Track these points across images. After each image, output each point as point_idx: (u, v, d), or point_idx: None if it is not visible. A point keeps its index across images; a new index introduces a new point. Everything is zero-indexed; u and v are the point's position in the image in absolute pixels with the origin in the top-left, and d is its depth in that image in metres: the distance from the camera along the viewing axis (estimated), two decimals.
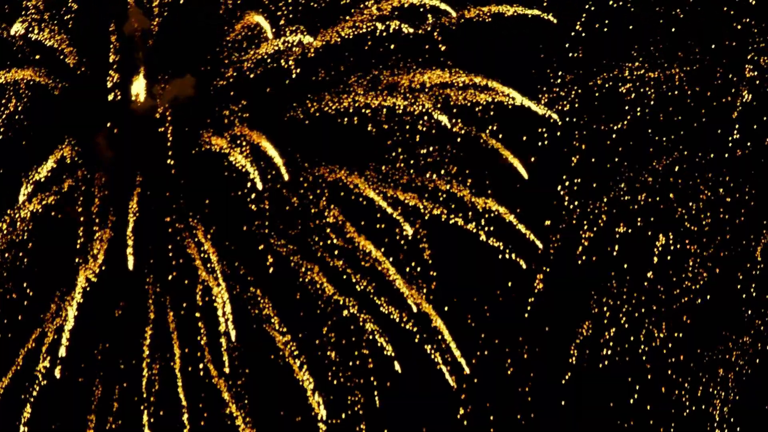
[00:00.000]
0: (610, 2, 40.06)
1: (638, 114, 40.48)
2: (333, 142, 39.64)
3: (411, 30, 38.67)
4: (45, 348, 39.52)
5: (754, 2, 39.95)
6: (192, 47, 39.26)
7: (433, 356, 40.03)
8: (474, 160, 39.75)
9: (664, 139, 40.46)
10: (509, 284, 41.09)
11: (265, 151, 38.70)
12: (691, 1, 40.22)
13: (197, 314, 39.85)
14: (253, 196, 39.23)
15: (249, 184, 38.91)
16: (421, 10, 39.05)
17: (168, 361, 39.86)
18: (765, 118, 40.22)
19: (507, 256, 39.94)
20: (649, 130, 40.48)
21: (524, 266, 40.04)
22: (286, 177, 38.54)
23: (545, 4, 39.32)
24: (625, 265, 41.23)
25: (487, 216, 39.71)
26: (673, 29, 40.29)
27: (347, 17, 38.97)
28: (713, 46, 40.35)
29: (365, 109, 39.33)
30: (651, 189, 40.80)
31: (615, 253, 41.16)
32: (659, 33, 40.24)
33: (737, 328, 41.43)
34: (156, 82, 39.12)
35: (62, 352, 38.79)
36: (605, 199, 40.83)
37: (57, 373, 38.98)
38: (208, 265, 39.37)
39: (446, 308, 40.17)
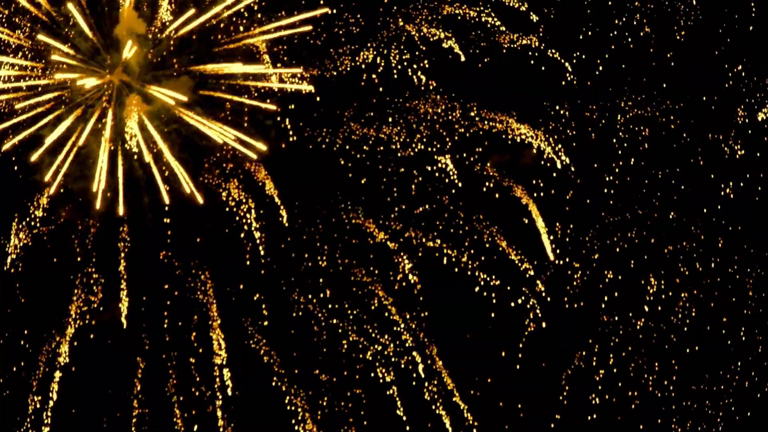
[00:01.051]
0: (605, 38, 40.57)
1: (631, 152, 40.87)
2: (329, 174, 39.72)
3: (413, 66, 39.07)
4: (36, 382, 39.37)
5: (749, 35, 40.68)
6: (189, 53, 39.15)
7: (429, 389, 40.14)
8: (470, 194, 40.01)
9: (660, 173, 40.83)
10: (501, 323, 41.19)
11: (260, 183, 38.81)
12: (684, 41, 40.76)
13: (192, 360, 39.84)
14: (248, 228, 39.26)
15: (245, 217, 39.02)
16: (418, 41, 39.45)
17: (160, 394, 39.70)
18: (758, 154, 40.73)
19: (492, 294, 40.24)
20: (642, 162, 40.88)
21: (539, 311, 40.34)
22: (285, 222, 38.73)
23: (541, 34, 39.77)
24: (616, 304, 41.43)
25: (483, 255, 39.99)
26: (667, 67, 40.86)
27: (345, 49, 39.20)
28: (707, 87, 40.95)
29: (362, 142, 39.52)
30: (643, 226, 41.11)
31: (606, 292, 41.33)
32: (654, 70, 40.77)
33: (726, 365, 41.67)
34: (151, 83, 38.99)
35: (55, 388, 38.77)
36: (597, 237, 41.06)
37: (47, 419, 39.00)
38: (204, 299, 39.36)
39: (437, 342, 40.34)
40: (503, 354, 41.31)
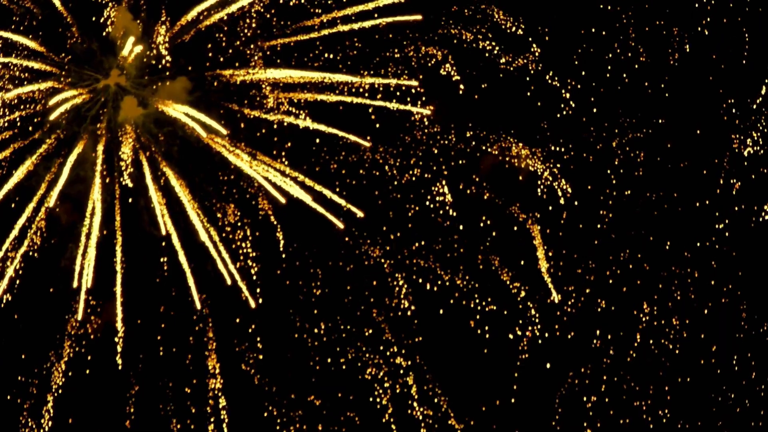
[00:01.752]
0: (601, 62, 40.86)
1: (626, 176, 41.08)
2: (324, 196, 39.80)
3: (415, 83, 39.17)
4: (28, 406, 39.25)
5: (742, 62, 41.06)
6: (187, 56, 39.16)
7: (424, 413, 40.11)
8: (466, 218, 40.13)
9: (654, 196, 41.03)
10: (495, 348, 41.22)
11: (253, 202, 38.95)
12: (677, 65, 41.07)
13: (187, 390, 39.76)
14: (245, 253, 39.28)
15: (241, 246, 39.06)
16: (414, 65, 39.61)
17: (155, 419, 39.56)
18: (753, 176, 40.95)
19: (486, 322, 40.32)
20: (637, 184, 41.06)
21: (538, 331, 40.42)
22: (281, 248, 38.85)
23: (537, 57, 40.00)
24: (608, 330, 41.50)
25: (478, 280, 40.10)
26: (661, 92, 41.12)
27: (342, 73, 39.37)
28: (702, 113, 41.24)
29: (358, 165, 39.63)
30: (636, 251, 41.25)
31: (599, 318, 41.42)
32: (650, 96, 41.03)
33: (719, 390, 41.73)
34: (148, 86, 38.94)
35: (48, 415, 38.69)
36: (591, 261, 41.18)
37: None
38: (200, 324, 39.35)
39: (432, 366, 40.39)
40: (497, 379, 41.36)
